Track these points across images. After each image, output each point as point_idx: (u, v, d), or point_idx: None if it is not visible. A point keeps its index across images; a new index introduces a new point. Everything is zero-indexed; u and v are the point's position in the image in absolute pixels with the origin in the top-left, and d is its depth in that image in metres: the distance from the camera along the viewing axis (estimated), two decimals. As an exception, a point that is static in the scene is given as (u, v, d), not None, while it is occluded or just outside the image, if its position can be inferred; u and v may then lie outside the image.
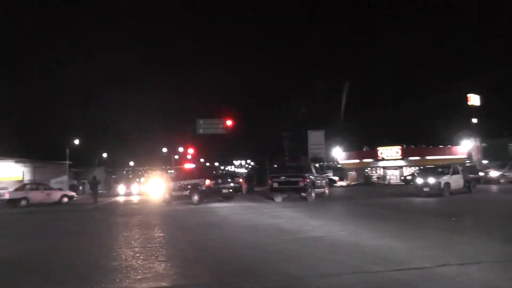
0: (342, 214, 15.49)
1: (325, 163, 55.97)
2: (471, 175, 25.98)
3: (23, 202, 27.38)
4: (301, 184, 22.03)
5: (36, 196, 28.32)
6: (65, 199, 29.04)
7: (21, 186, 29.96)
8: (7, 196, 28.07)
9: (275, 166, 25.30)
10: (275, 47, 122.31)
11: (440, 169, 25.56)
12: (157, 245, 9.87)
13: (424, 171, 29.86)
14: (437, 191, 22.24)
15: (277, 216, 15.04)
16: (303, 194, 22.35)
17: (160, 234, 11.91)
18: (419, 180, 24.01)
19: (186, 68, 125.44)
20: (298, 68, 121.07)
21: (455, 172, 23.98)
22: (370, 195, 27.92)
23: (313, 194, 22.35)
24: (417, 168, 55.07)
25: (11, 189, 30.38)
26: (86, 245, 10.21)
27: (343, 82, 56.71)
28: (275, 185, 22.98)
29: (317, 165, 27.72)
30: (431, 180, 22.87)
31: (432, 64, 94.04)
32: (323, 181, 26.09)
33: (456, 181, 23.55)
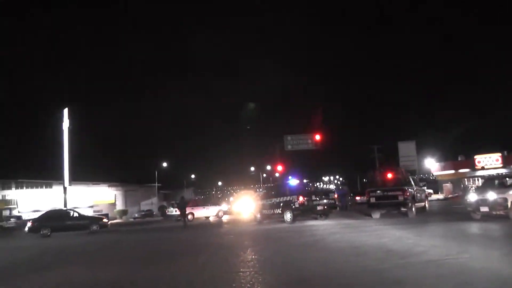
0: (454, 232, 13.75)
1: (418, 176, 53.27)
2: None
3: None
4: (401, 198, 20.49)
5: None
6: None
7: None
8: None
9: (375, 179, 23.69)
10: (356, 59, 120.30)
11: (507, 179, 18.88)
12: (251, 269, 8.92)
13: (485, 184, 20.79)
14: (501, 210, 15.99)
15: (380, 235, 13.69)
16: (403, 209, 20.79)
17: (253, 257, 10.94)
18: (473, 197, 17.36)
19: (273, 84, 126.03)
20: (385, 77, 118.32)
21: None
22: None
23: (413, 209, 20.73)
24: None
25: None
26: (174, 271, 9.43)
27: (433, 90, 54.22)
28: (373, 200, 21.56)
29: (415, 177, 25.91)
30: (491, 196, 16.17)
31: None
32: (423, 195, 24.32)
33: None
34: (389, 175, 23.14)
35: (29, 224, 27.52)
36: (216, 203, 42.82)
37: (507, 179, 18.85)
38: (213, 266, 9.89)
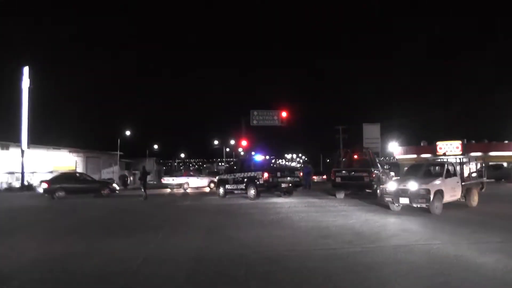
0: (422, 215, 13.58)
1: (381, 158, 53.64)
2: (474, 177, 17.93)
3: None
4: (367, 179, 20.32)
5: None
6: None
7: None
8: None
9: (341, 159, 23.36)
10: (332, 37, 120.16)
11: (430, 168, 17.10)
12: (216, 246, 8.47)
13: (410, 171, 17.97)
14: (423, 203, 13.96)
15: (347, 216, 13.51)
16: (368, 190, 20.61)
17: (214, 236, 10.42)
18: (392, 185, 15.27)
19: (242, 58, 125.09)
20: (352, 59, 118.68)
21: (451, 172, 15.63)
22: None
23: (378, 191, 20.57)
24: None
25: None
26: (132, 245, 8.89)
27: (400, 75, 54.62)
28: (338, 180, 21.34)
29: (381, 159, 25.82)
30: (413, 186, 14.28)
31: (494, 51, 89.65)
32: (388, 177, 24.23)
33: (452, 187, 15.23)
34: (356, 156, 22.93)
35: (44, 185, 27.74)
36: (208, 174, 43.25)
37: (437, 167, 16.67)
38: (175, 243, 9.40)
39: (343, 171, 21.59)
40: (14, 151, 43.94)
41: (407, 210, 15.05)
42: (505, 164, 48.38)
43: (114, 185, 29.84)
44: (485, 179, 19.00)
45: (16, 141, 42.52)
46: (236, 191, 23.26)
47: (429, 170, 16.83)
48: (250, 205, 18.41)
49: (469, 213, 14.50)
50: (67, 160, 55.43)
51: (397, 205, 15.04)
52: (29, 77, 40.26)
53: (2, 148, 46.62)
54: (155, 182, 52.27)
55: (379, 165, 22.50)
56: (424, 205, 14.08)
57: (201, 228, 11.51)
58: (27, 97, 40.06)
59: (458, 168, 16.27)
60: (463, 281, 5.96)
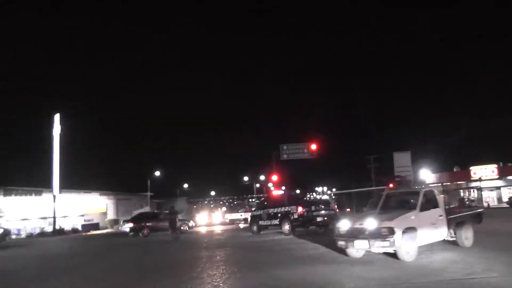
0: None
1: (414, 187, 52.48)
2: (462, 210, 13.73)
3: None
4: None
5: None
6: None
7: None
8: None
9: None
10: (360, 70, 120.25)
11: (403, 198, 13.23)
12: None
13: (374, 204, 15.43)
14: (386, 247, 10.44)
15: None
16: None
17: (254, 274, 10.04)
18: (345, 224, 11.77)
19: (266, 95, 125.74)
20: (381, 89, 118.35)
21: (431, 203, 12.09)
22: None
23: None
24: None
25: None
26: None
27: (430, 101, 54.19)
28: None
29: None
30: (371, 224, 10.91)
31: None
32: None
33: (432, 223, 11.68)
34: (391, 185, 22.39)
35: (130, 225, 30.76)
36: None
37: (411, 196, 12.59)
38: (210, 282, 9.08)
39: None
40: (46, 197, 44.47)
41: (371, 255, 11.60)
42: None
43: (191, 222, 32.80)
44: (482, 210, 14.63)
45: (48, 186, 43.08)
46: (270, 227, 22.86)
47: (402, 201, 12.90)
48: (286, 241, 17.97)
49: (456, 257, 10.66)
50: (98, 203, 55.83)
51: (356, 250, 11.39)
52: (60, 124, 40.97)
53: (36, 194, 47.20)
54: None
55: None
56: (389, 249, 10.46)
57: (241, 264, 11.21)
58: (58, 143, 40.68)
59: (440, 197, 12.54)
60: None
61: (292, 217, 20.94)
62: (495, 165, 55.84)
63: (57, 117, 40.91)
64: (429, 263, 10.09)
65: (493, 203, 53.57)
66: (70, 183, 47.25)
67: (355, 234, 11.12)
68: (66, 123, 42.05)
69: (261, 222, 23.27)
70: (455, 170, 61.68)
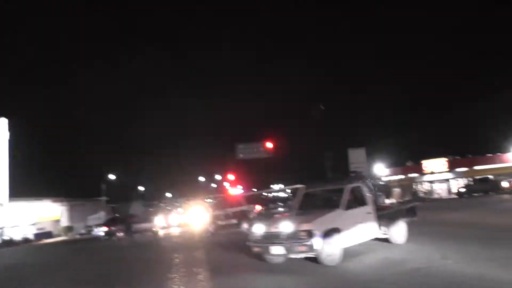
0: (422, 235, 13.12)
1: (371, 181, 53.42)
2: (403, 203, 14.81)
3: None
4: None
5: None
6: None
7: None
8: None
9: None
10: (313, 65, 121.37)
11: (327, 196, 12.10)
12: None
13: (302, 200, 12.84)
14: (304, 252, 9.65)
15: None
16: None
17: (213, 275, 9.89)
18: (259, 228, 10.73)
19: (221, 93, 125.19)
20: (333, 86, 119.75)
21: (358, 200, 11.39)
22: (427, 211, 25.53)
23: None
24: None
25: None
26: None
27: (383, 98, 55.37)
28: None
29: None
30: (287, 227, 9.94)
31: (475, 68, 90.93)
32: (382, 200, 23.88)
33: (359, 222, 10.85)
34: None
35: (104, 229, 31.77)
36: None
37: (334, 193, 11.43)
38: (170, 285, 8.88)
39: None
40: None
41: (293, 261, 10.37)
42: (491, 177, 48.63)
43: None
44: (417, 203, 14.46)
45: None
46: (228, 227, 22.73)
47: (325, 199, 11.89)
48: (244, 240, 17.80)
49: (387, 257, 10.01)
50: (50, 211, 54.23)
51: (274, 256, 10.29)
52: (8, 129, 39.68)
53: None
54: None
55: (373, 188, 22.14)
56: (308, 254, 9.57)
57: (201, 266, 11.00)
58: (6, 150, 39.35)
59: (369, 193, 11.82)
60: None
61: (250, 216, 20.90)
62: (445, 159, 57.62)
63: (4, 121, 39.60)
64: (355, 267, 9.33)
65: (444, 194, 55.30)
66: (20, 190, 45.86)
67: (270, 239, 10.03)
68: (14, 128, 40.80)
69: (219, 222, 23.10)
70: (408, 164, 63.29)
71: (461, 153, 60.52)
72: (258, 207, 20.79)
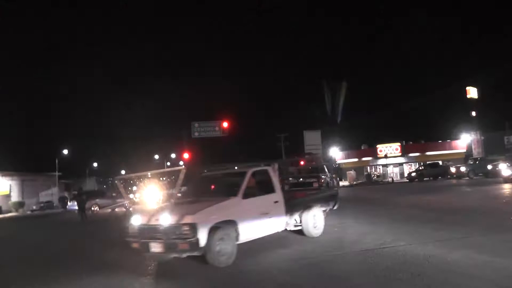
0: (376, 217, 13.44)
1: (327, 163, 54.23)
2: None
3: None
4: (315, 185, 20.14)
5: None
6: None
7: None
8: None
9: (288, 167, 23.19)
10: (272, 47, 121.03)
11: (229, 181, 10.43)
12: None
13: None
14: (186, 251, 7.93)
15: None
16: (317, 196, 20.42)
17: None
18: (136, 220, 8.70)
19: (180, 71, 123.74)
20: (295, 68, 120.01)
21: (262, 186, 9.71)
22: (381, 194, 26.19)
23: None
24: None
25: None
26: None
27: (340, 81, 55.93)
28: (286, 187, 21.03)
29: (329, 164, 25.87)
30: (167, 219, 8.08)
31: (429, 58, 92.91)
32: (335, 182, 24.27)
33: (263, 213, 9.22)
34: (302, 162, 22.84)
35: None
36: None
37: (245, 178, 9.28)
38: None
39: (290, 178, 21.34)
40: None
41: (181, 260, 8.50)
42: (440, 163, 50.07)
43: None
44: (337, 190, 12.95)
45: None
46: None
47: (224, 185, 10.32)
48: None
49: (300, 250, 8.95)
50: (0, 185, 52.62)
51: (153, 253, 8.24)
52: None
53: None
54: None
55: (326, 170, 22.48)
56: (193, 253, 7.78)
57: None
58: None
59: (277, 177, 10.11)
60: None
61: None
62: (399, 144, 58.96)
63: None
64: (256, 266, 7.93)
65: (397, 178, 56.70)
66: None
67: (149, 234, 8.14)
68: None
69: (173, 201, 22.92)
70: (362, 148, 64.36)
71: (414, 139, 62.13)
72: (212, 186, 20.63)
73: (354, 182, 55.20)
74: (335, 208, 11.81)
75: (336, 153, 64.96)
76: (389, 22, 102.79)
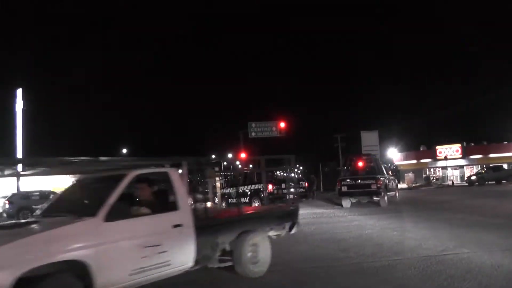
0: (437, 222, 13.01)
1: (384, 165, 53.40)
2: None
3: None
4: (374, 187, 19.83)
5: None
6: None
7: None
8: None
9: (346, 167, 23.01)
10: (326, 48, 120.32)
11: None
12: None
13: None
14: None
15: (360, 226, 12.96)
16: (375, 198, 20.16)
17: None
18: None
19: (237, 72, 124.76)
20: (348, 68, 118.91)
21: (161, 199, 6.38)
22: (440, 197, 25.50)
23: (386, 198, 20.13)
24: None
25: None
26: None
27: (398, 81, 55.06)
28: (344, 188, 20.83)
29: (387, 166, 25.48)
30: None
31: (492, 54, 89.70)
32: (394, 184, 23.85)
33: (149, 242, 5.55)
34: (361, 163, 22.56)
35: None
36: None
37: (119, 186, 5.65)
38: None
39: (348, 180, 21.12)
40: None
41: None
42: (505, 166, 48.23)
43: None
44: (296, 205, 9.45)
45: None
46: (240, 205, 22.72)
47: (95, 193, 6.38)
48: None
49: None
50: (67, 182, 54.36)
51: None
52: (23, 99, 39.53)
53: (-3, 174, 45.59)
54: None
55: (384, 172, 22.10)
56: None
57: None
58: (21, 119, 39.26)
59: (183, 186, 6.47)
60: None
61: (262, 195, 20.85)
62: (459, 145, 57.14)
63: (19, 91, 39.50)
64: None
65: (457, 181, 54.96)
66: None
67: None
68: (30, 97, 40.70)
69: (230, 200, 23.18)
70: (421, 149, 62.78)
71: (476, 140, 60.08)
72: (270, 186, 20.69)
73: (413, 185, 53.93)
74: (292, 232, 8.53)
75: (394, 155, 63.76)
76: (452, 18, 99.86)
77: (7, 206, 26.31)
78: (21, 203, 26.63)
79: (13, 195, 27.81)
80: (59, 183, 50.24)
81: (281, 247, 9.99)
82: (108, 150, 61.25)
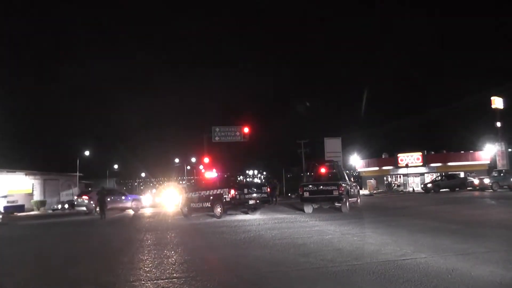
0: (396, 227, 13.15)
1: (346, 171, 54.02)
2: None
3: None
4: (335, 193, 19.94)
5: None
6: None
7: None
8: None
9: (308, 173, 23.10)
10: (291, 55, 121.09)
11: None
12: (187, 273, 7.75)
13: None
14: None
15: (321, 231, 12.93)
16: (337, 204, 20.29)
17: (187, 258, 9.71)
18: None
19: (201, 77, 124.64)
20: (311, 75, 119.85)
21: None
22: (400, 204, 25.86)
23: (347, 204, 20.28)
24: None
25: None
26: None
27: (361, 89, 56.19)
28: (306, 194, 20.88)
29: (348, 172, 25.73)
30: None
31: (452, 67, 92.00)
32: (356, 190, 24.05)
33: None
34: (323, 169, 22.66)
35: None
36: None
37: None
38: (137, 271, 8.62)
39: (310, 185, 21.18)
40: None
41: None
42: (461, 174, 49.49)
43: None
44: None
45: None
46: (201, 210, 22.56)
47: None
48: (217, 224, 17.73)
49: None
50: (23, 183, 53.40)
51: None
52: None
53: None
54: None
55: (347, 178, 22.26)
56: None
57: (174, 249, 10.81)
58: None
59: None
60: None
61: (224, 200, 20.71)
62: (420, 153, 58.47)
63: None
64: None
65: (418, 188, 56.09)
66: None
67: None
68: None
69: (192, 205, 22.96)
70: (383, 156, 63.92)
71: (436, 148, 61.51)
72: (232, 192, 20.56)
73: (374, 191, 54.76)
74: None
75: (356, 161, 64.61)
76: (413, 30, 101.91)
77: None
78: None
79: None
80: (11, 186, 48.80)
81: (240, 252, 9.94)
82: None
